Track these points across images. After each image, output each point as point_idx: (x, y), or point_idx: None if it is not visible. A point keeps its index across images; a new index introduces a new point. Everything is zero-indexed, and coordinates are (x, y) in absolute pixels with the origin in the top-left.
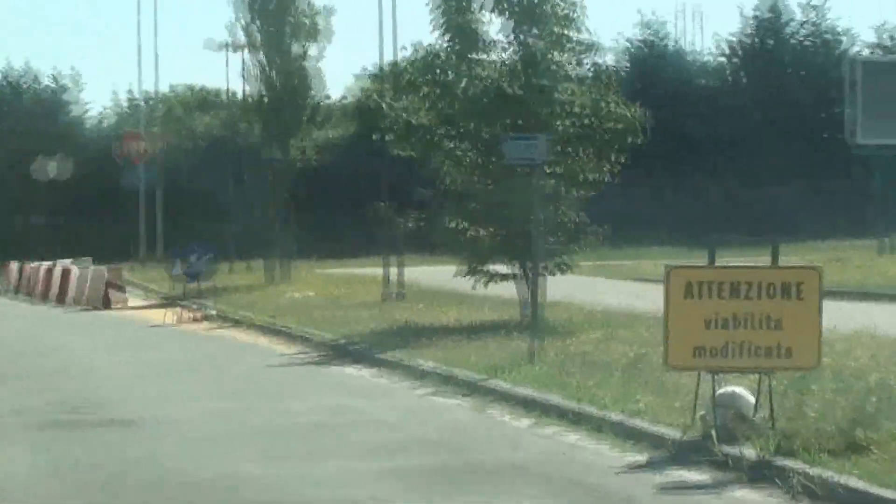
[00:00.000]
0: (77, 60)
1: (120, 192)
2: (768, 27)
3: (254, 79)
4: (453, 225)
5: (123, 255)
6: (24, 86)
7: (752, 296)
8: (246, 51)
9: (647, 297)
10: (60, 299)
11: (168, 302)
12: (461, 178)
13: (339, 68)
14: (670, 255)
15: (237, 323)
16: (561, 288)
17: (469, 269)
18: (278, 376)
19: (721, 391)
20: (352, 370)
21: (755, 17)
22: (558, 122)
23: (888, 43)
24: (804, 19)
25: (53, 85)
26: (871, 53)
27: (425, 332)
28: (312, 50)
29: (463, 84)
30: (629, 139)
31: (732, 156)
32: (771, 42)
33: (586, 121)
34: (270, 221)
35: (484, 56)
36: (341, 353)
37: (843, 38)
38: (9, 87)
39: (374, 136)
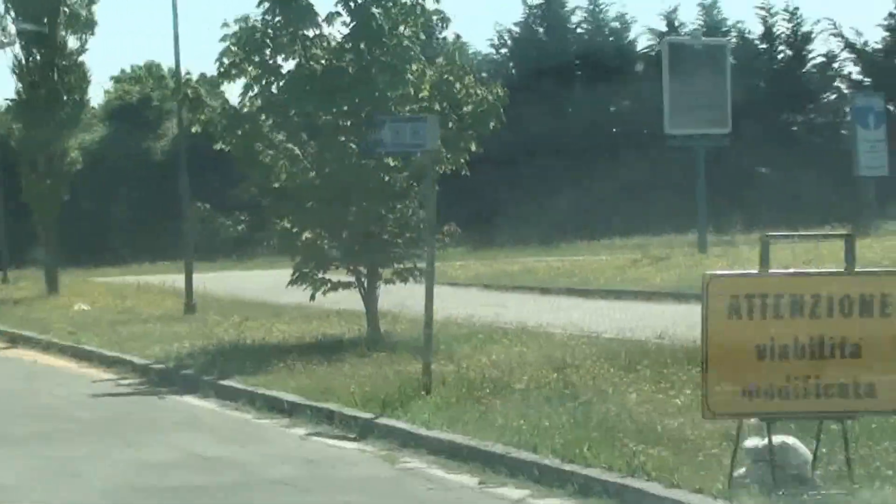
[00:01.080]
0: None
1: None
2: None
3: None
4: (288, 226)
5: None
6: None
7: (819, 313)
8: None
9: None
10: None
11: None
12: (294, 172)
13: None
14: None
15: (27, 342)
16: (391, 297)
17: (303, 276)
18: (110, 410)
19: (758, 443)
20: (194, 401)
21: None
22: (407, 107)
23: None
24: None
25: None
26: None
27: (263, 351)
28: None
29: (294, 63)
30: (491, 124)
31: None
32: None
33: (436, 105)
34: (35, 228)
35: (316, 31)
36: (171, 378)
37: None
38: None
39: (193, 130)
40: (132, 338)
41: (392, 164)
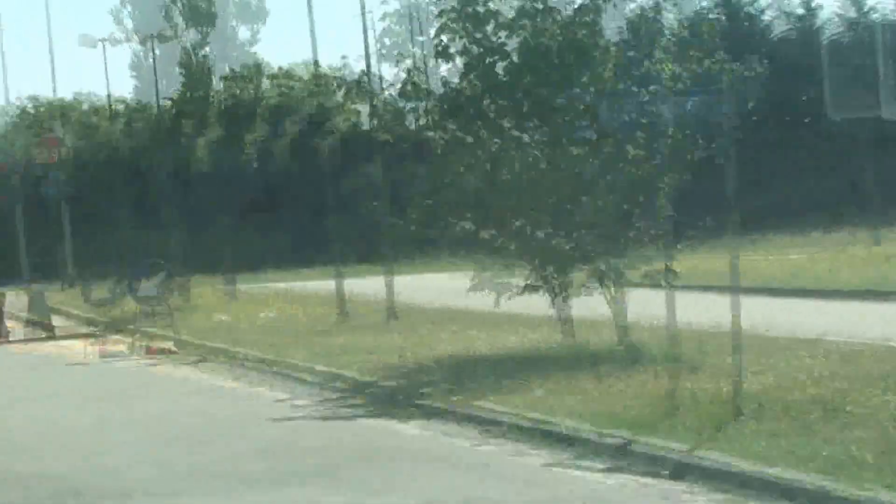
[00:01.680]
0: None
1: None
2: None
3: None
4: (519, 224)
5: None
6: None
7: None
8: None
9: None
10: None
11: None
12: (519, 162)
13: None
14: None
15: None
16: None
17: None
18: (334, 439)
19: None
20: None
21: None
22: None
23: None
24: None
25: None
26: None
27: (470, 364)
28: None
29: (519, 40)
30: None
31: None
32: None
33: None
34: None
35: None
36: (381, 399)
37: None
38: None
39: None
40: (336, 351)
41: (631, 153)
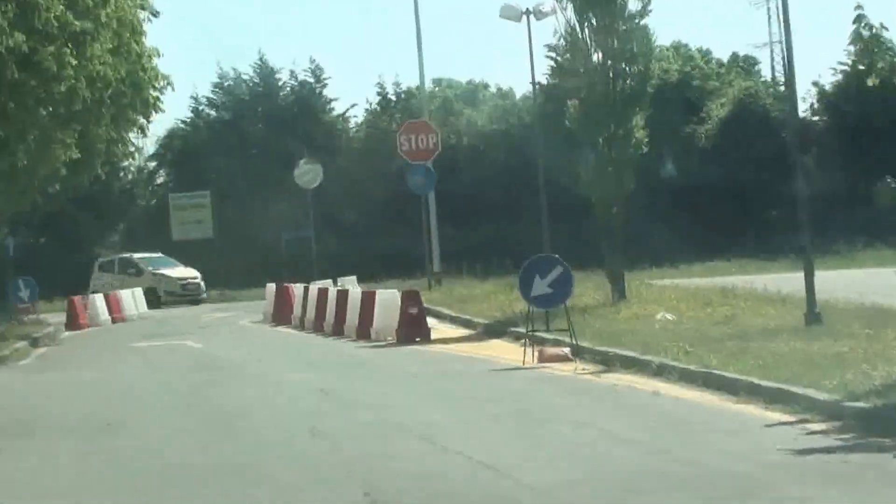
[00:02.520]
0: (316, 54)
1: (398, 197)
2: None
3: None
4: None
5: (400, 272)
6: (279, 82)
7: None
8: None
9: None
10: (361, 332)
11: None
12: None
13: None
14: None
15: (626, 363)
16: None
17: None
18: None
19: None
20: None
21: None
22: None
23: None
24: None
25: (312, 80)
26: None
27: None
28: None
29: None
30: None
31: None
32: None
33: None
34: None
35: None
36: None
37: None
38: (262, 82)
39: None
40: (769, 361)
41: None
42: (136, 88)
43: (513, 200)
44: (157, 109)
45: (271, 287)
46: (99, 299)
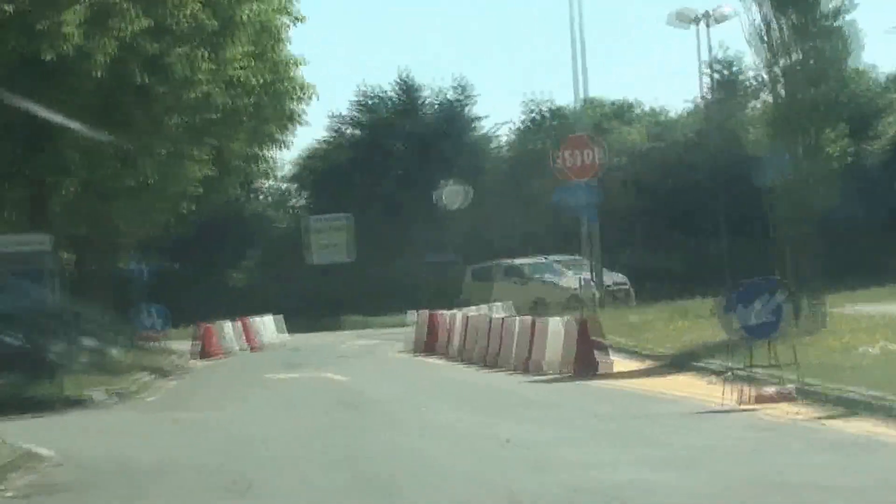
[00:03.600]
0: (457, 70)
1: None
2: None
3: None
4: None
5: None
6: (425, 99)
7: None
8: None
9: None
10: (521, 364)
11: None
12: None
13: None
14: None
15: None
16: None
17: None
18: None
19: None
20: None
21: None
22: None
23: None
24: None
25: (458, 97)
26: None
27: None
28: None
29: None
30: None
31: None
32: None
33: None
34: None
35: None
36: None
37: None
38: (406, 98)
39: None
40: None
41: None
42: (277, 99)
43: (676, 221)
44: (301, 122)
45: (420, 314)
46: (231, 326)
